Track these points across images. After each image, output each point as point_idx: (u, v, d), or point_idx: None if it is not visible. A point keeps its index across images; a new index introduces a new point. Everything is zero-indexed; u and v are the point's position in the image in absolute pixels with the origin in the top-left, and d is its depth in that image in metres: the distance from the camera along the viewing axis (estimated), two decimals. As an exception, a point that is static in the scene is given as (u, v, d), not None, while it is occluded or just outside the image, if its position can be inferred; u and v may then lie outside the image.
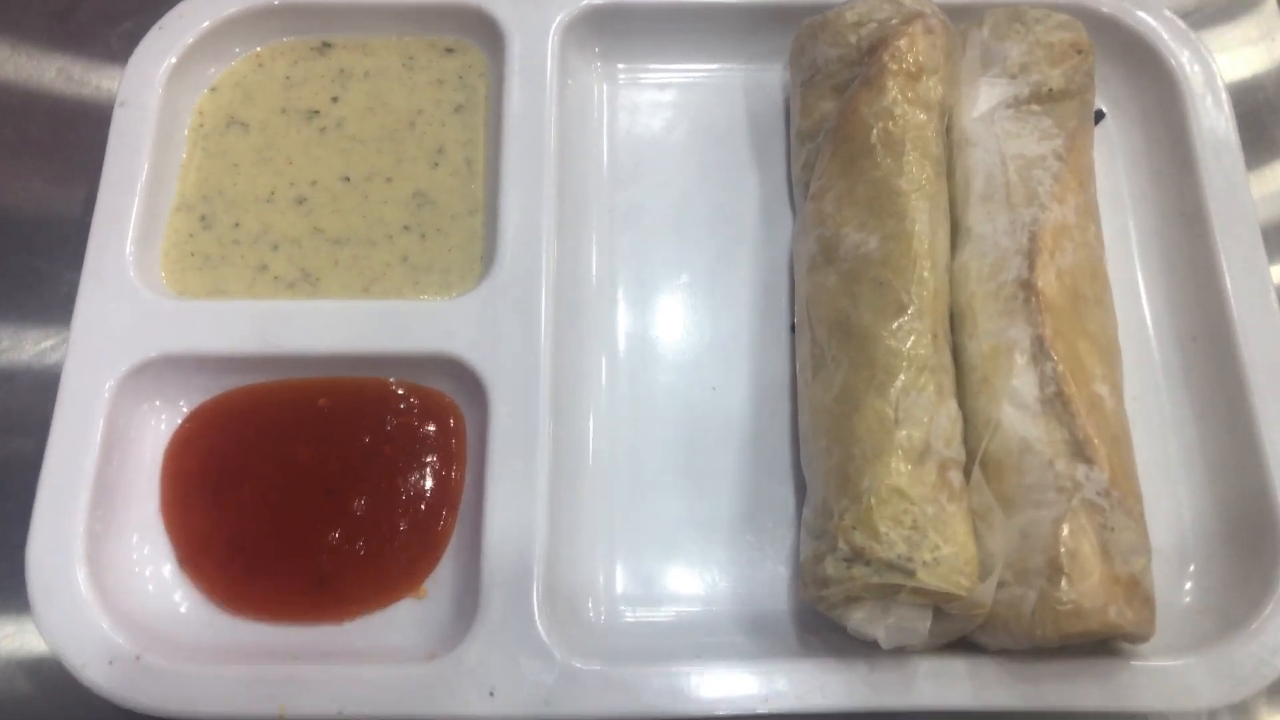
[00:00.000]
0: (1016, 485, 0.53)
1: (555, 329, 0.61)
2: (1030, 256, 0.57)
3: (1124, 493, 0.53)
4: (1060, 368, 0.54)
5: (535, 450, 0.58)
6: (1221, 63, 0.68)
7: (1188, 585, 0.58)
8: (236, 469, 0.60)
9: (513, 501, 0.57)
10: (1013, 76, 0.62)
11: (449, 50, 0.71)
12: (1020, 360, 0.55)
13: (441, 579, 0.59)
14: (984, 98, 0.62)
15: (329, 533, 0.59)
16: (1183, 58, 0.67)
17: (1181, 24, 0.68)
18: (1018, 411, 0.54)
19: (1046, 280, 0.56)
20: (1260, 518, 0.57)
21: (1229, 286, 0.61)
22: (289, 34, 0.71)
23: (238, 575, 0.58)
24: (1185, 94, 0.66)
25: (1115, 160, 0.69)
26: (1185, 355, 0.63)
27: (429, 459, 0.61)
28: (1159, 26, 0.68)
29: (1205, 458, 0.61)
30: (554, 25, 0.68)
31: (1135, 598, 0.51)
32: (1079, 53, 0.62)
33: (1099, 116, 0.70)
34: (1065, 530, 0.51)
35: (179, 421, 0.62)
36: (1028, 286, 0.56)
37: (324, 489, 0.60)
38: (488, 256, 0.64)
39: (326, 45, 0.71)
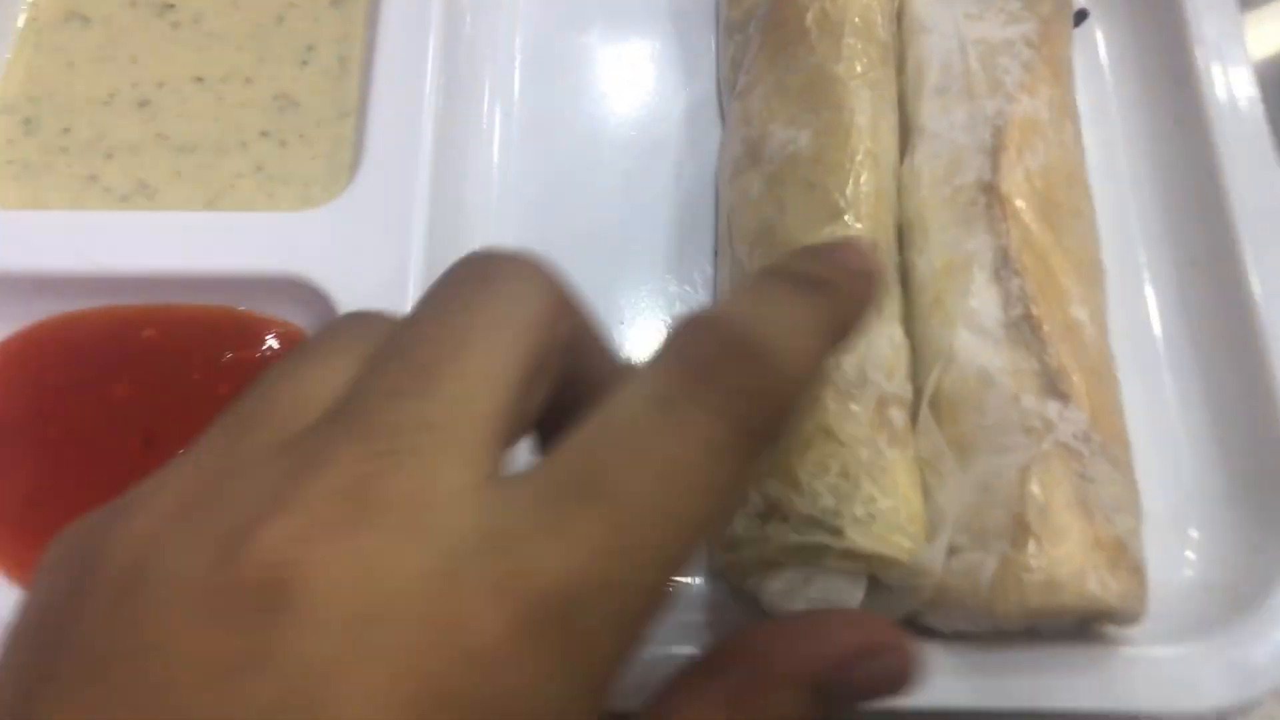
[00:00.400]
0: (975, 426, 0.43)
1: (429, 249, 0.51)
2: (993, 155, 0.47)
3: (1107, 436, 0.43)
4: (1028, 285, 0.44)
5: (395, 389, 0.48)
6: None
7: (1189, 554, 0.48)
8: (37, 412, 0.50)
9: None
10: None
11: (328, -62, 0.61)
12: (980, 276, 0.45)
13: (282, 545, 0.49)
14: None
15: (144, 488, 0.49)
16: (1177, -57, 0.57)
17: (1179, -94, 0.58)
18: (976, 337, 0.44)
19: (1012, 182, 0.46)
20: (1273, 470, 0.47)
21: (1234, 205, 0.51)
22: (143, -81, 0.61)
23: (29, 537, 0.48)
24: (1180, -10, 0.56)
25: (1101, 66, 0.59)
26: (1183, 284, 0.53)
27: (272, 402, 0.50)
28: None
29: (1208, 402, 0.50)
30: (446, -97, 0.58)
31: (1121, 565, 0.41)
32: None
33: (1081, 16, 0.60)
34: (1034, 480, 0.41)
35: (-22, 355, 0.51)
36: (990, 190, 0.46)
37: (141, 437, 0.50)
38: (354, 166, 0.54)
39: (187, -68, 0.61)
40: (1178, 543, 0.48)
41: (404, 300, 0.49)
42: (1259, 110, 0.53)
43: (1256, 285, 0.49)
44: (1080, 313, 0.45)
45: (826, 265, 0.32)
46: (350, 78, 0.57)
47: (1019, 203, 0.46)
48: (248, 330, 0.52)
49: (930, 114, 0.49)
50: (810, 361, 0.28)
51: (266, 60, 0.58)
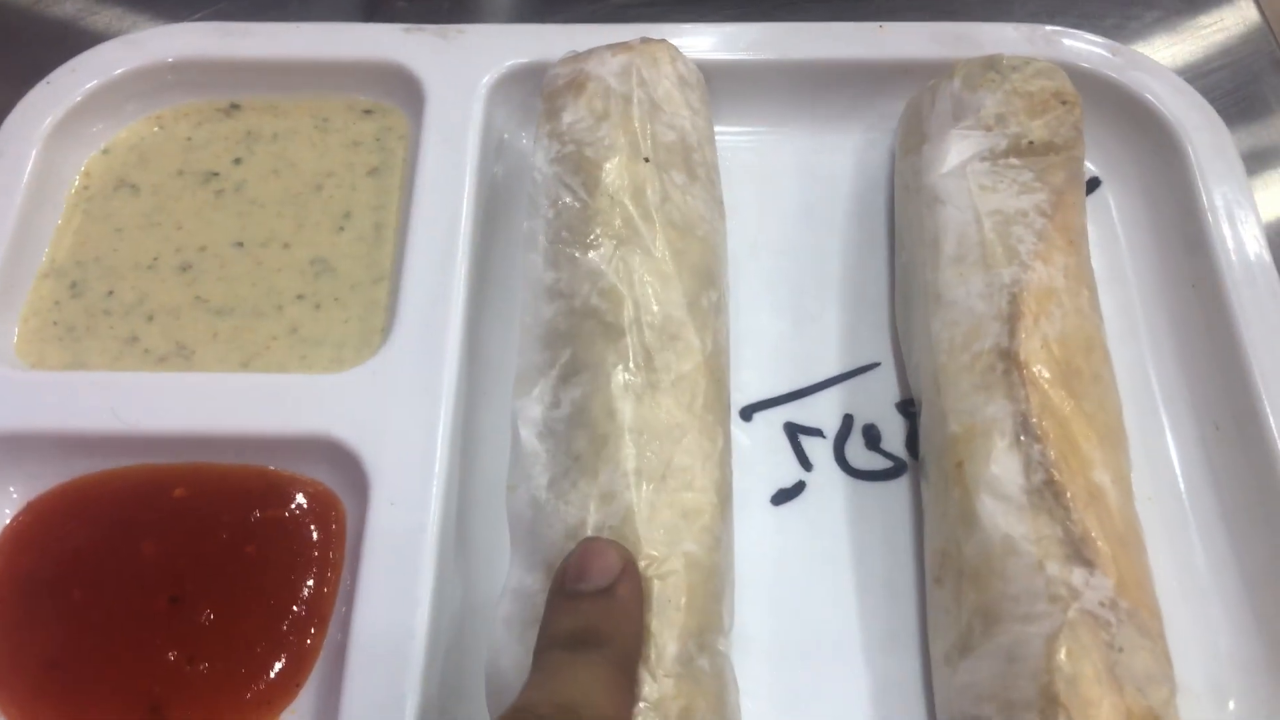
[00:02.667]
0: (1000, 595, 0.43)
1: (458, 412, 0.52)
2: (1011, 322, 0.48)
3: (1135, 604, 0.42)
4: (1050, 451, 0.44)
5: (420, 552, 0.48)
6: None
7: (1223, 731, 0.47)
8: (64, 572, 0.50)
9: (387, 615, 0.47)
10: (988, 128, 0.54)
11: (367, 112, 0.64)
12: (1001, 443, 0.45)
13: (303, 708, 0.48)
14: (954, 151, 0.54)
15: (168, 649, 0.49)
16: (1184, 117, 0.59)
17: (1180, 80, 0.61)
18: (999, 504, 0.44)
19: (1030, 349, 0.47)
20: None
21: (1254, 367, 0.52)
22: (194, 94, 0.65)
23: (51, 699, 0.48)
24: (1189, 156, 0.58)
25: (1114, 231, 0.60)
26: (1207, 447, 0.53)
27: (299, 561, 0.51)
28: (1156, 84, 0.60)
29: (1240, 569, 0.50)
30: (480, 85, 0.61)
31: None
32: (1063, 103, 0.54)
33: (1094, 184, 0.62)
34: (1061, 650, 0.40)
35: (11, 513, 0.52)
36: (1008, 356, 0.47)
37: (168, 595, 0.50)
38: (386, 330, 0.55)
39: (234, 106, 0.65)
40: (1216, 716, 0.47)
41: (432, 462, 0.50)
42: (1272, 273, 0.54)
43: (1279, 449, 0.49)
44: (1103, 478, 0.45)
45: (599, 612, 0.38)
46: (385, 244, 0.59)
47: (1038, 369, 0.46)
48: (277, 489, 0.53)
49: (947, 283, 0.51)
50: (619, 708, 0.36)
51: (305, 226, 0.60)
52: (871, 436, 0.55)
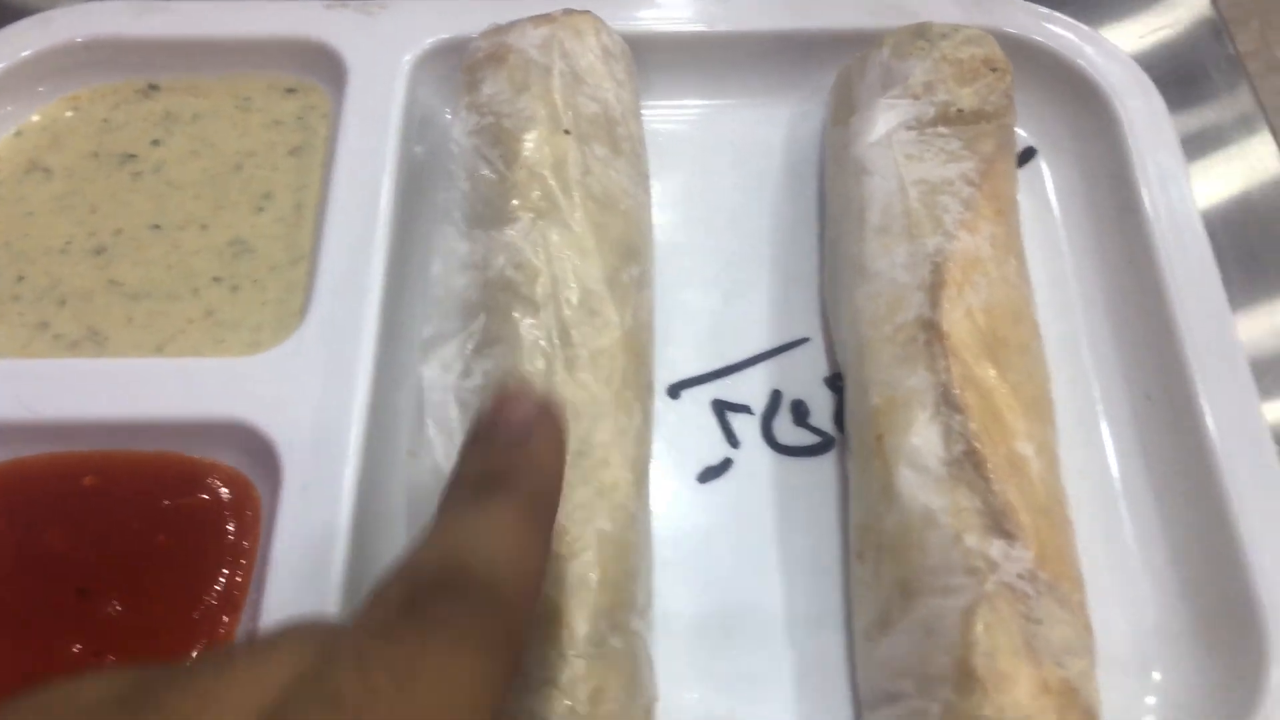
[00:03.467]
0: (918, 568, 0.42)
1: (374, 394, 0.50)
2: (933, 291, 0.47)
3: (1056, 576, 0.41)
4: (971, 422, 0.43)
5: (333, 535, 0.47)
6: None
7: (1149, 699, 0.46)
8: (-32, 563, 0.49)
9: (297, 600, 0.45)
10: (915, 97, 0.53)
11: (290, 90, 0.63)
12: (921, 415, 0.44)
13: (214, 700, 0.47)
14: (882, 121, 0.53)
15: (74, 643, 0.47)
16: (1118, 83, 0.58)
17: (1116, 47, 0.60)
18: (918, 476, 0.43)
19: (953, 319, 0.46)
20: (1237, 608, 0.45)
21: (1184, 339, 0.51)
22: (111, 75, 0.63)
23: (-48, 695, 0.46)
24: (1123, 124, 0.57)
25: (1049, 201, 0.60)
26: (1139, 419, 0.52)
27: (212, 549, 0.49)
28: (1090, 50, 0.60)
29: (1169, 540, 0.49)
30: (403, 61, 0.60)
31: (1071, 711, 0.39)
32: (993, 70, 0.53)
33: (1029, 154, 0.61)
34: (978, 623, 0.39)
35: (-87, 508, 0.51)
36: (930, 327, 0.46)
37: (76, 587, 0.48)
38: (303, 312, 0.54)
39: (153, 87, 0.63)
40: (1140, 686, 0.46)
41: (346, 443, 0.49)
42: (1204, 243, 0.54)
43: (1210, 420, 0.49)
44: (1026, 448, 0.44)
45: (499, 452, 0.33)
46: (305, 224, 0.58)
47: (960, 339, 0.45)
48: (190, 477, 0.51)
49: (871, 254, 0.50)
50: (522, 557, 0.30)
51: (224, 207, 0.59)
52: (800, 412, 0.54)
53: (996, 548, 0.41)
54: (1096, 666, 0.41)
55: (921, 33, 0.54)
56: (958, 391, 0.44)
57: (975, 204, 0.49)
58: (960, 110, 0.52)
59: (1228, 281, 0.53)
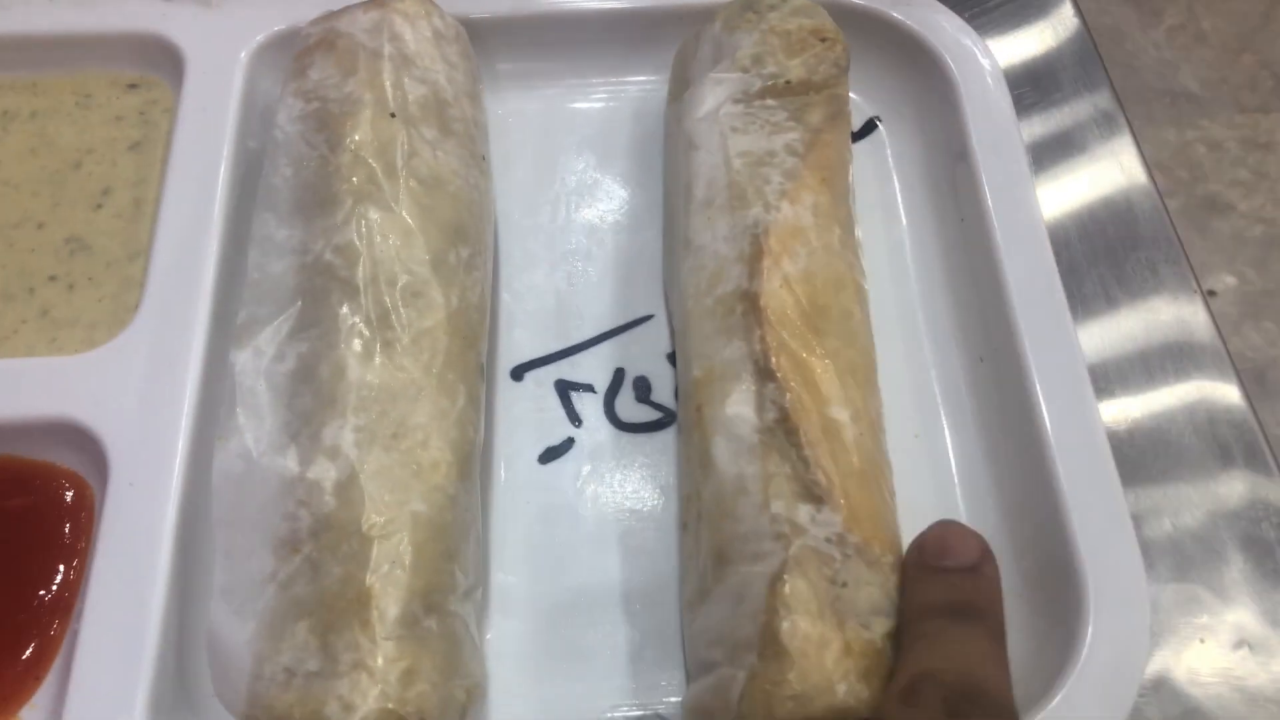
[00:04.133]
0: (731, 536, 0.42)
1: (204, 391, 0.50)
2: (751, 263, 0.47)
3: (867, 538, 0.42)
4: (785, 390, 0.44)
5: (159, 532, 0.46)
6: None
7: (974, 658, 0.46)
8: None
9: (120, 598, 0.45)
10: (744, 70, 0.53)
11: (132, 86, 0.62)
12: (737, 385, 0.44)
13: (43, 702, 0.46)
14: (710, 95, 0.53)
15: (-103, 650, 0.46)
16: (957, 52, 0.59)
17: (954, 16, 0.60)
18: (731, 445, 0.43)
19: (770, 289, 0.46)
20: (1058, 562, 0.46)
21: (1014, 298, 0.51)
22: (-54, 75, 0.62)
23: None
24: (959, 90, 0.58)
25: (888, 169, 0.60)
26: (972, 380, 0.53)
27: (42, 551, 0.49)
28: (933, 19, 0.60)
29: (998, 500, 0.50)
30: (240, 53, 0.59)
31: (875, 672, 0.39)
32: (822, 40, 0.53)
33: (872, 125, 0.61)
34: (783, 588, 0.40)
35: None
36: (747, 297, 0.46)
37: (-100, 594, 0.48)
38: (136, 308, 0.53)
39: (-10, 86, 0.62)
40: (966, 645, 0.46)
41: (174, 445, 0.48)
42: (1036, 209, 0.54)
43: (1037, 381, 0.49)
44: (841, 414, 0.44)
45: (971, 587, 0.39)
46: (144, 219, 0.57)
47: (776, 309, 0.45)
48: (22, 478, 0.50)
49: (696, 228, 0.50)
50: (1004, 683, 0.37)
51: (61, 204, 0.58)
52: (642, 389, 0.54)
53: (804, 512, 0.41)
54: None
55: (751, 5, 0.54)
56: (772, 361, 0.44)
57: (798, 174, 0.50)
58: (788, 81, 0.52)
59: (1089, 283, 0.56)
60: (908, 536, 0.44)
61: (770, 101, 0.52)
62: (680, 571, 0.47)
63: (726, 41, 0.54)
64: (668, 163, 0.56)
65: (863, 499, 0.42)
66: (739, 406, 0.44)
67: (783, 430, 0.43)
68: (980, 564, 0.40)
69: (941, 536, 0.41)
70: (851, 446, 0.44)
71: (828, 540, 0.41)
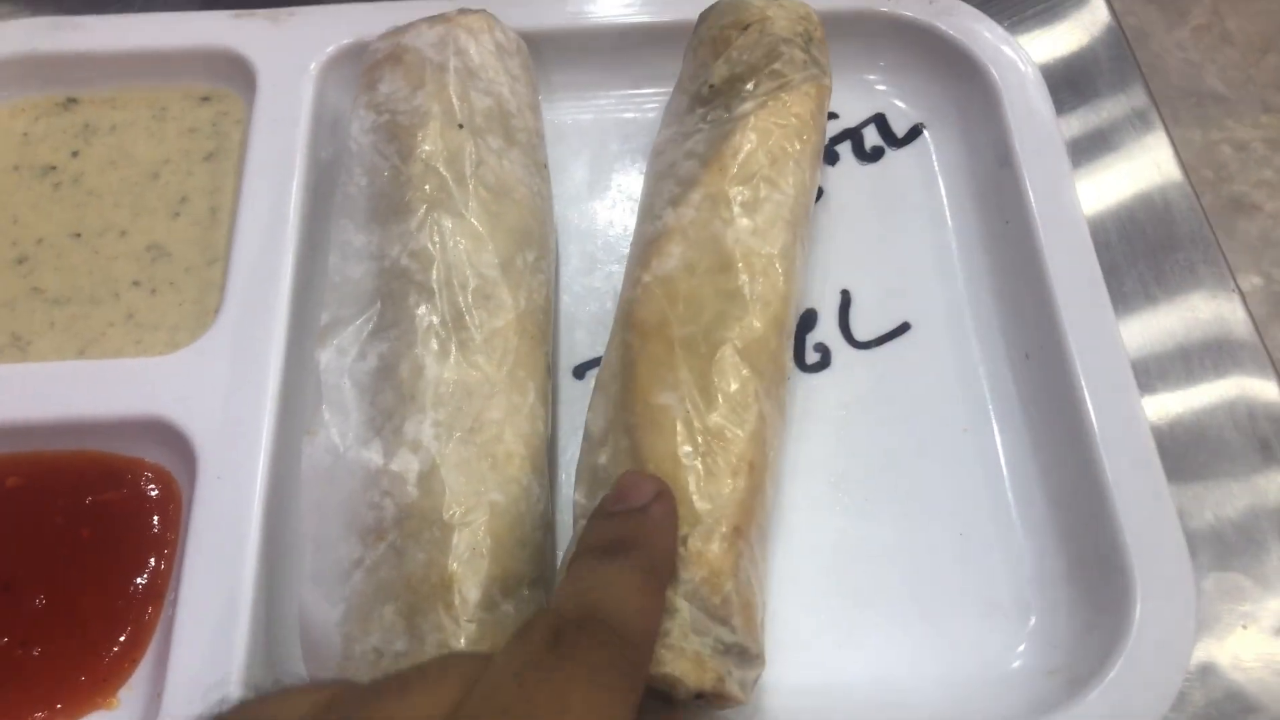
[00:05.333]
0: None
1: (285, 388, 0.53)
2: (634, 272, 0.51)
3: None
4: (626, 393, 0.47)
5: (247, 522, 0.49)
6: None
7: (1023, 644, 0.48)
8: (-102, 564, 0.51)
9: (213, 586, 0.48)
10: (684, 92, 0.56)
11: (204, 99, 0.65)
12: (599, 397, 0.49)
13: (139, 685, 0.49)
14: (661, 134, 0.57)
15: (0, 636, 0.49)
16: (999, 59, 0.61)
17: (995, 24, 0.62)
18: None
19: (637, 296, 0.50)
20: (1104, 552, 0.47)
21: (1058, 296, 0.53)
22: (30, 90, 0.65)
23: (-115, 690, 0.48)
24: (1002, 96, 0.60)
25: (934, 174, 0.62)
26: (1018, 376, 0.55)
27: (134, 542, 0.51)
28: (972, 27, 0.62)
29: (1046, 491, 0.52)
30: (310, 66, 0.62)
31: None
32: (743, 29, 0.55)
33: (916, 131, 0.63)
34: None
35: None
36: (624, 305, 0.50)
37: (1, 583, 0.50)
38: (218, 310, 0.56)
39: (72, 100, 0.65)
40: (1018, 631, 0.48)
41: (259, 440, 0.51)
42: (1078, 209, 0.56)
43: (1082, 376, 0.51)
44: (669, 398, 0.45)
45: (622, 522, 0.40)
46: (220, 227, 0.60)
47: (641, 314, 0.49)
48: (112, 473, 0.53)
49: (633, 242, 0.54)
50: (644, 612, 0.36)
51: (141, 214, 0.61)
52: (698, 386, 0.56)
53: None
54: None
55: (703, 18, 0.58)
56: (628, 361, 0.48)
57: (694, 176, 0.51)
58: (712, 85, 0.54)
59: (1129, 282, 0.58)
60: (952, 535, 0.47)
61: (698, 111, 0.54)
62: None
63: (684, 67, 0.57)
64: None
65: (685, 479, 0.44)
66: (595, 411, 0.49)
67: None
68: (649, 505, 0.41)
69: (617, 485, 0.42)
70: (669, 432, 0.45)
71: None
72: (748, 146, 0.51)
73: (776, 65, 0.54)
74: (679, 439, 0.44)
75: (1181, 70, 1.60)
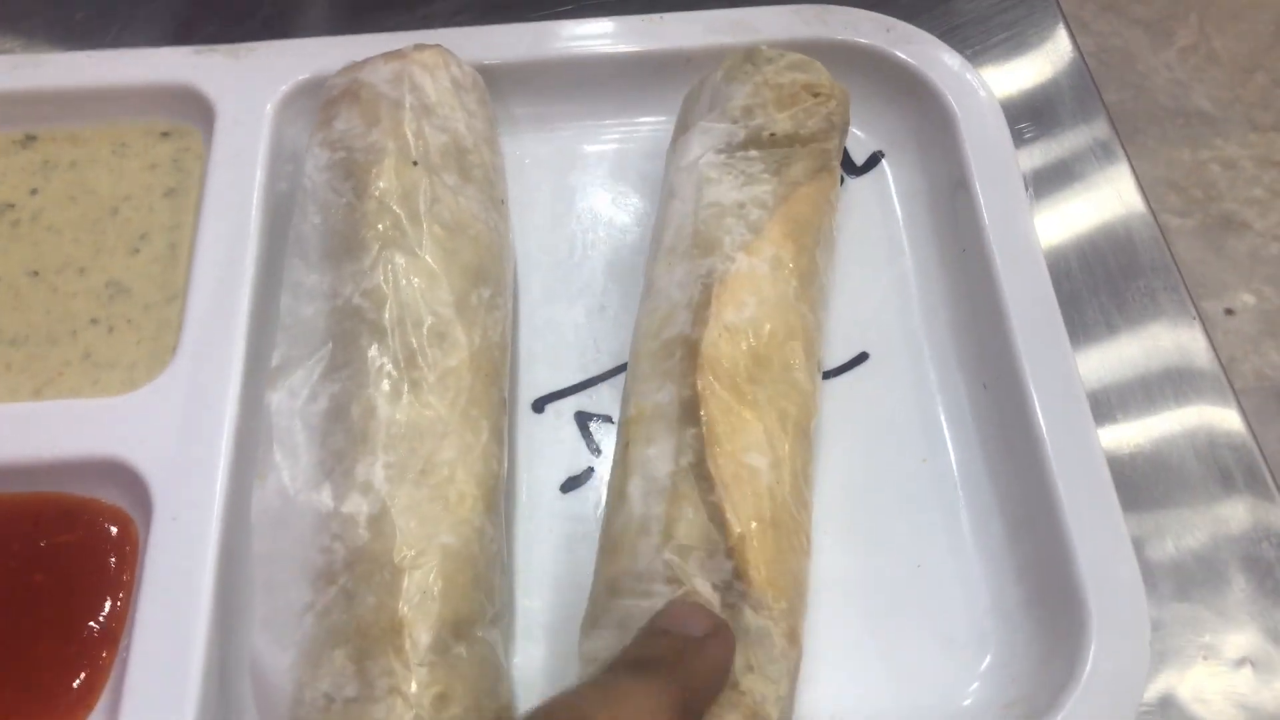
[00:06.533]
0: (626, 571, 0.45)
1: (240, 427, 0.52)
2: (698, 310, 0.49)
3: (760, 585, 0.43)
4: (704, 435, 0.45)
5: (201, 564, 0.49)
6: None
7: (982, 675, 0.48)
8: None
9: (166, 627, 0.47)
10: (734, 120, 0.55)
11: (165, 134, 0.65)
12: (660, 426, 0.47)
13: (92, 730, 0.49)
14: (696, 144, 0.55)
15: (-46, 681, 0.49)
16: (956, 87, 0.61)
17: (953, 53, 0.62)
18: (644, 484, 0.46)
19: (710, 338, 0.48)
20: (1060, 583, 0.47)
21: (1014, 326, 0.53)
22: (-13, 128, 0.65)
23: None
24: (959, 123, 0.60)
25: (892, 203, 0.62)
26: (976, 406, 0.55)
27: (90, 585, 0.51)
28: (930, 55, 0.62)
29: (1003, 522, 0.52)
30: (268, 102, 0.62)
31: (732, 716, 0.41)
32: (815, 95, 0.55)
33: (876, 158, 0.63)
34: None
35: None
36: (687, 343, 0.48)
37: (-46, 628, 0.50)
38: (175, 348, 0.56)
39: (30, 138, 0.65)
40: (975, 664, 0.49)
41: (214, 481, 0.50)
42: (1034, 236, 0.56)
43: (1038, 407, 0.51)
44: (759, 461, 0.46)
45: (670, 642, 0.38)
46: (180, 263, 0.60)
47: (712, 356, 0.47)
48: (69, 515, 0.53)
49: (658, 272, 0.52)
50: None
51: (101, 251, 0.61)
52: (657, 419, 0.56)
53: (696, 557, 0.43)
54: (794, 674, 0.44)
55: (750, 57, 0.57)
56: (698, 405, 0.46)
57: (761, 227, 0.51)
58: (773, 134, 0.54)
59: (1090, 311, 0.58)
60: (909, 567, 0.46)
61: (753, 153, 0.54)
62: (589, 595, 0.48)
63: (723, 91, 0.56)
64: (658, 208, 0.58)
65: (764, 546, 0.44)
66: (659, 448, 0.46)
67: (694, 475, 0.45)
68: (705, 637, 0.39)
69: (678, 609, 0.41)
70: (764, 494, 0.45)
71: (715, 586, 0.43)
72: (810, 216, 0.53)
73: (828, 145, 0.55)
74: (764, 504, 0.44)
75: (1169, 90, 1.61)
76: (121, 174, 0.63)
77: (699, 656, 0.38)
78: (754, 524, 0.44)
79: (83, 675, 0.49)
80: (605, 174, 0.64)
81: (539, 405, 0.57)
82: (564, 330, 0.59)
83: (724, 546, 0.43)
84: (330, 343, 0.48)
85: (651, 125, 0.65)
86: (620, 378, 0.57)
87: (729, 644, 0.40)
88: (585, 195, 0.63)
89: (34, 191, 0.63)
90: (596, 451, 0.55)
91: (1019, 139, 0.60)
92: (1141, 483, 0.54)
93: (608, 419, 0.56)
